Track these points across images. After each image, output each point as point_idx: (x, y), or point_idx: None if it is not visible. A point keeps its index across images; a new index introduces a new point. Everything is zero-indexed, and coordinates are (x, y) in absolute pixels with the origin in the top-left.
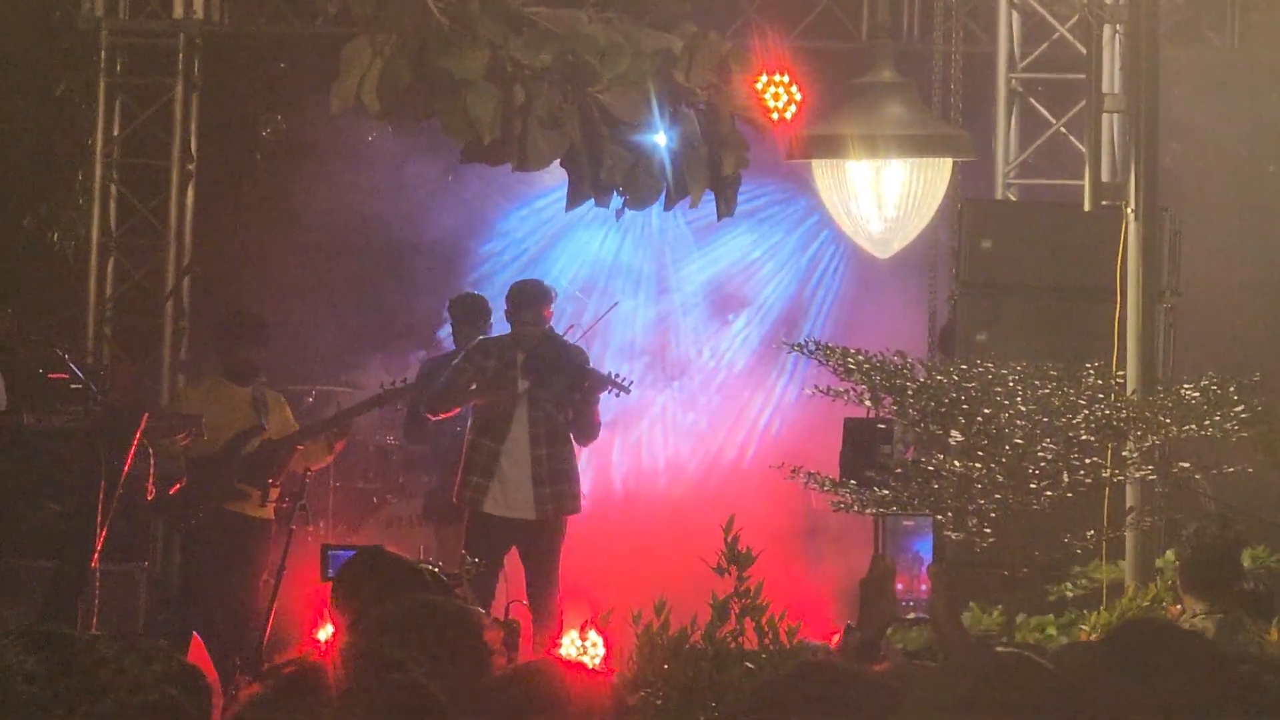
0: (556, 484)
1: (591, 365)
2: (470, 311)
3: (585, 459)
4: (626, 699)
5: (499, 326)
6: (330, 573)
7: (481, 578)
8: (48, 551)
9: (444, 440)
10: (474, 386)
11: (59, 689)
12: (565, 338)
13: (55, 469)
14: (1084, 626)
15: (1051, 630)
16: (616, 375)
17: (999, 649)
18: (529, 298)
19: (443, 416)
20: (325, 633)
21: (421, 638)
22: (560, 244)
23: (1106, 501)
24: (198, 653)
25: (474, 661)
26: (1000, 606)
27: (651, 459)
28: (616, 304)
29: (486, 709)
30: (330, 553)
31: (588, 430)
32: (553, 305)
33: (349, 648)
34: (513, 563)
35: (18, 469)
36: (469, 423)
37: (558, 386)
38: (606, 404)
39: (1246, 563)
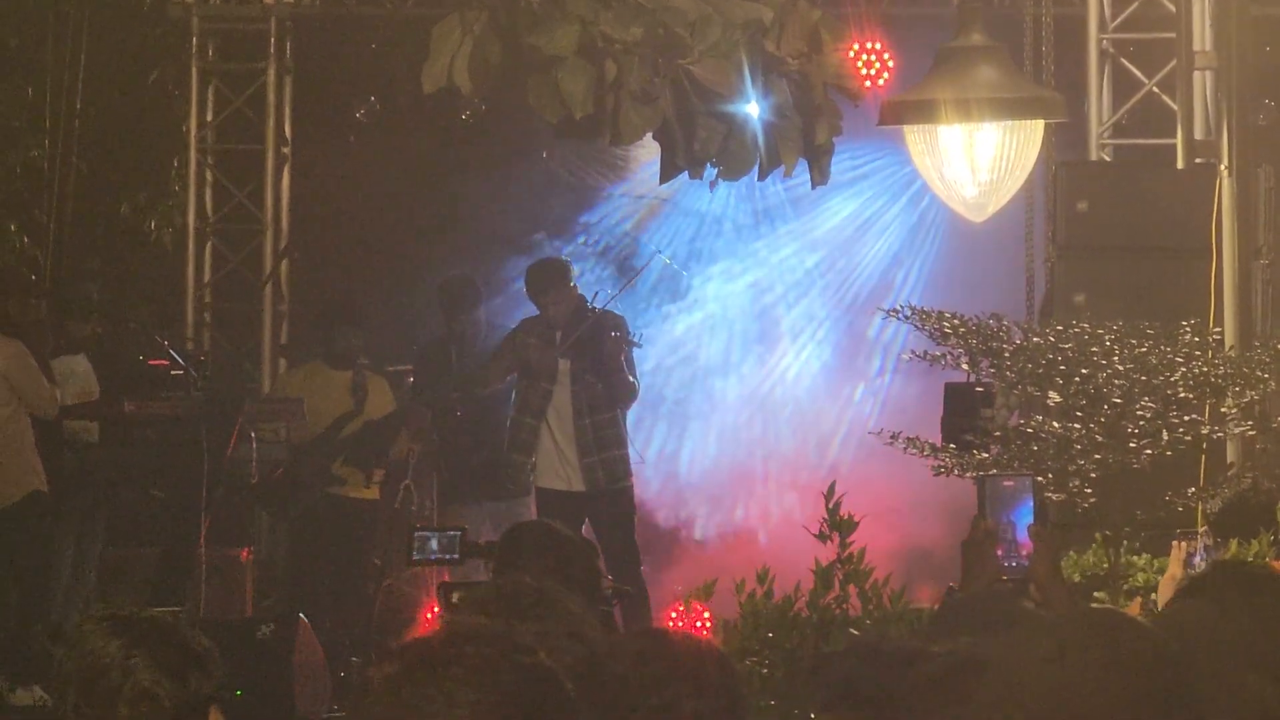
0: (604, 451)
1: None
2: (457, 296)
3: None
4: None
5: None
6: (415, 555)
7: None
8: (153, 538)
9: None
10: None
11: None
12: (594, 305)
13: (158, 455)
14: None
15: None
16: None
17: (1092, 605)
18: (545, 280)
19: (484, 392)
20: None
21: (543, 558)
22: (657, 217)
23: (1204, 459)
24: (306, 635)
25: (589, 586)
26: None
27: (747, 429)
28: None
29: (599, 680)
30: (417, 534)
31: (621, 392)
32: (573, 277)
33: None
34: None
35: (121, 456)
36: (511, 400)
37: (592, 356)
38: (698, 380)
39: None
